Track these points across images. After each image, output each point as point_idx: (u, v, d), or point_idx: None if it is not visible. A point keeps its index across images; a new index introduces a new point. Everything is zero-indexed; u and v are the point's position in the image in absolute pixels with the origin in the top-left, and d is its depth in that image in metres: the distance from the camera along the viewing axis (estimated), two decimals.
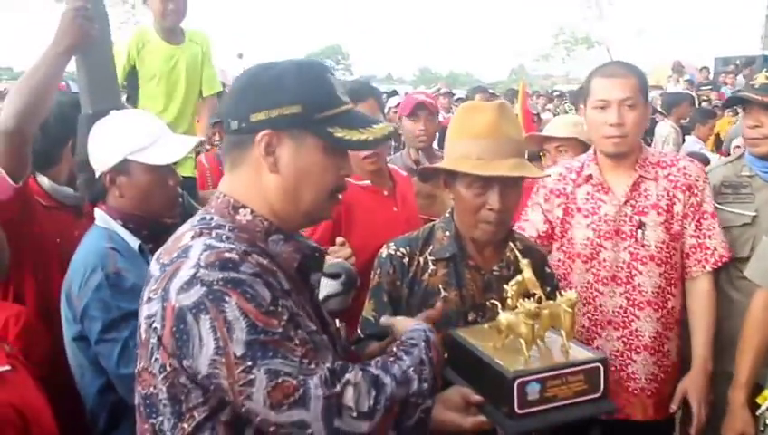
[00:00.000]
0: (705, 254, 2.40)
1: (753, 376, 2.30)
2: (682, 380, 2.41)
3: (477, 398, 1.61)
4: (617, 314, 2.39)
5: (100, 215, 2.12)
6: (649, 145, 6.15)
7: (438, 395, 1.61)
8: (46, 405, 1.63)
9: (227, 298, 1.24)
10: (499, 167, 1.78)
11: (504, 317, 1.62)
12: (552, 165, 3.08)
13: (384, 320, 1.70)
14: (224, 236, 1.33)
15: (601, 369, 1.61)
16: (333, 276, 2.04)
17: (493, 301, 1.67)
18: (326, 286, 2.01)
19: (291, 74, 1.40)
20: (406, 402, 1.34)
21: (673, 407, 2.40)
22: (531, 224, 2.52)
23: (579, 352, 1.65)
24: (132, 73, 4.08)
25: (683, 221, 2.39)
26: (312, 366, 1.25)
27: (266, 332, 1.24)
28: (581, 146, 3.19)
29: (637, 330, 2.39)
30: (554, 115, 9.30)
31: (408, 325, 1.57)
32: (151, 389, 1.35)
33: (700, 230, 2.40)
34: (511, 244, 1.94)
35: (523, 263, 1.70)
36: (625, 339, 2.40)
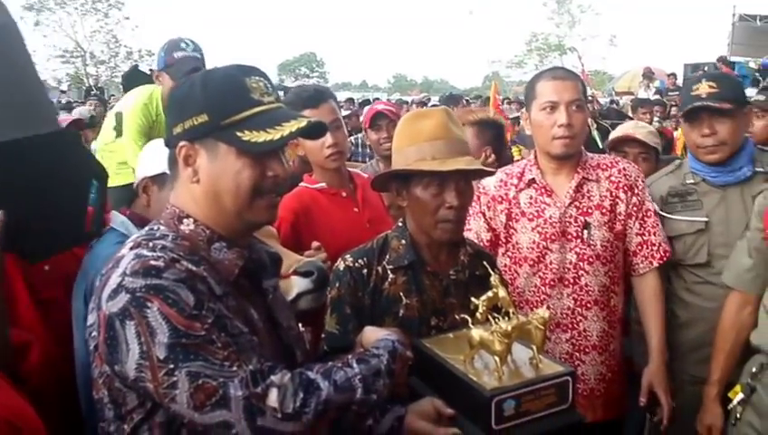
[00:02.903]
0: (652, 250, 2.47)
1: (726, 374, 2.37)
2: (645, 373, 2.44)
3: (450, 411, 1.64)
4: (565, 315, 2.42)
5: (120, 220, 2.18)
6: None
7: (411, 405, 1.68)
8: (31, 410, 1.63)
9: (149, 304, 1.29)
10: (455, 163, 1.84)
11: (476, 333, 1.63)
12: None
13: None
14: (159, 246, 1.39)
15: (570, 381, 1.65)
16: (305, 274, 2.06)
17: (464, 316, 1.69)
18: (297, 285, 2.04)
19: (198, 85, 1.45)
20: (346, 410, 1.38)
21: (642, 400, 2.44)
22: (474, 233, 2.53)
23: (548, 366, 1.67)
24: None
25: (626, 221, 2.45)
26: (234, 368, 1.29)
27: (188, 335, 1.29)
28: (656, 160, 3.26)
29: (585, 330, 2.43)
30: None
31: (377, 335, 1.61)
32: (99, 394, 1.42)
33: (644, 228, 2.47)
34: (463, 248, 2.01)
35: (495, 279, 1.72)
36: (574, 340, 2.43)
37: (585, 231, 2.41)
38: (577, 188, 2.43)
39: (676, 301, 2.66)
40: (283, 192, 1.54)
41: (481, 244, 2.45)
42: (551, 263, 2.42)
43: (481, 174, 2.01)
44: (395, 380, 1.50)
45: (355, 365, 1.43)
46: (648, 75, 15.26)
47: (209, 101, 1.42)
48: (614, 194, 2.44)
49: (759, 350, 2.23)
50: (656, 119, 8.42)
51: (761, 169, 2.58)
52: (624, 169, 2.49)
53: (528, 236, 2.45)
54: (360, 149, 6.32)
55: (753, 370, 2.23)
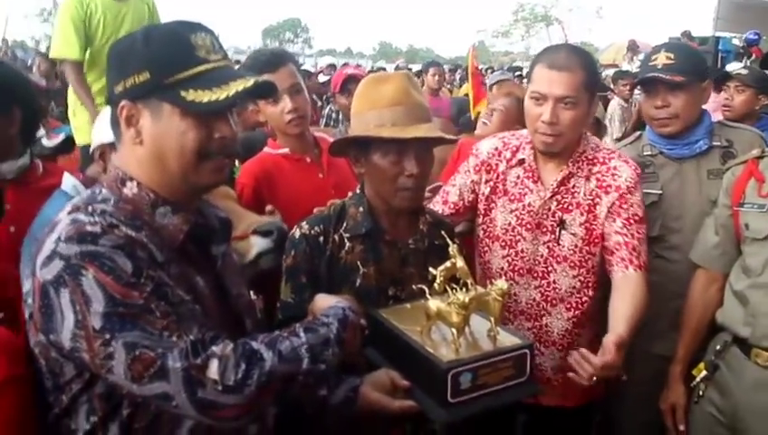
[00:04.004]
0: (632, 255, 2.18)
1: (691, 352, 2.35)
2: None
3: (405, 383, 1.62)
4: (530, 305, 2.33)
5: (71, 183, 2.11)
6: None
7: (366, 376, 1.66)
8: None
9: (84, 271, 1.23)
10: (415, 131, 1.78)
11: (433, 304, 1.59)
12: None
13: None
14: (98, 211, 1.32)
15: (528, 354, 1.63)
16: (265, 234, 2.01)
17: (421, 286, 1.64)
18: (257, 244, 2.00)
19: (139, 41, 1.38)
20: (291, 381, 1.33)
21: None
22: (457, 188, 2.41)
23: (506, 338, 1.65)
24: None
25: (605, 223, 2.23)
26: (174, 338, 1.24)
27: (125, 304, 1.23)
28: (596, 128, 3.14)
29: (546, 325, 2.33)
30: None
31: (327, 302, 1.57)
32: (38, 364, 1.37)
33: (628, 229, 2.20)
34: (423, 217, 1.97)
35: (453, 249, 1.68)
36: (535, 331, 2.34)
37: (558, 228, 2.28)
38: (563, 182, 2.26)
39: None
40: (231, 154, 1.47)
41: (462, 202, 2.39)
42: (522, 251, 2.31)
43: (441, 141, 1.95)
44: (345, 349, 1.44)
45: (302, 334, 1.37)
46: (633, 48, 15.18)
47: (151, 59, 1.34)
48: (596, 193, 2.25)
49: (723, 328, 2.22)
50: (636, 91, 8.38)
51: (718, 144, 2.54)
52: (615, 167, 2.26)
53: (505, 216, 2.33)
54: (340, 116, 6.22)
55: (717, 348, 2.22)
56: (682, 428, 2.33)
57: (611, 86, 8.40)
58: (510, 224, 2.32)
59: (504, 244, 2.34)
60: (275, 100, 2.43)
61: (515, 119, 3.28)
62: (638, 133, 2.78)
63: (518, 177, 2.33)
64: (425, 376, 1.57)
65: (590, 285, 2.30)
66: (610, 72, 10.96)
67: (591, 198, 2.25)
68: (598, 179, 2.25)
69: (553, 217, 2.27)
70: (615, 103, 7.86)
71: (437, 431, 1.81)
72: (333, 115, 6.24)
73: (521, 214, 2.31)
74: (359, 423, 1.66)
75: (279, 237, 2.01)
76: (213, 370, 1.23)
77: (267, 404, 1.37)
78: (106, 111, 2.22)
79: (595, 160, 2.28)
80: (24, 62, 12.25)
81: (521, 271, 2.32)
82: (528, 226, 2.29)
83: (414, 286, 1.72)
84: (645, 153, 2.61)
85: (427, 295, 1.62)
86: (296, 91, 2.46)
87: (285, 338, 1.35)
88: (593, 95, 2.22)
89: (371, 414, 1.62)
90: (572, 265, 2.28)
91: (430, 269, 1.67)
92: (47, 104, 4.97)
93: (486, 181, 2.37)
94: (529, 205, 2.29)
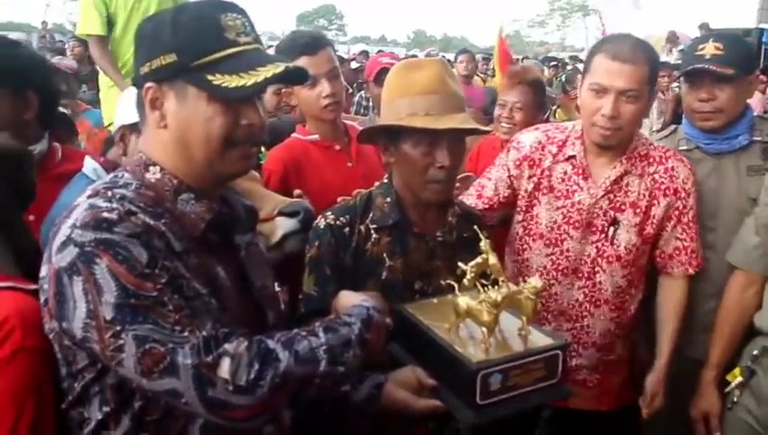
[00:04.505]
0: (690, 257, 2.27)
1: (726, 357, 2.26)
2: (649, 376, 2.27)
3: (432, 382, 1.57)
4: (571, 306, 2.27)
5: (92, 166, 2.09)
6: None
7: (391, 373, 1.60)
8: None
9: (98, 260, 1.20)
10: (450, 121, 1.72)
11: (463, 302, 1.54)
12: None
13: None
14: (117, 196, 1.28)
15: (560, 355, 1.57)
16: (291, 214, 1.98)
17: (450, 282, 1.59)
18: (283, 226, 1.97)
19: (167, 21, 1.33)
20: (308, 383, 1.28)
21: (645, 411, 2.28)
22: (492, 183, 2.35)
23: (538, 338, 1.59)
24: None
25: (661, 224, 2.23)
26: (185, 334, 1.20)
27: (138, 295, 1.20)
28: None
29: (588, 326, 2.27)
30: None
31: (351, 301, 1.51)
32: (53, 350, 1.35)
33: (687, 234, 2.26)
34: (452, 209, 1.91)
35: (485, 244, 1.62)
36: (575, 332, 2.28)
37: (612, 228, 2.21)
38: (616, 180, 2.21)
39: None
40: (258, 142, 1.43)
41: (497, 197, 2.33)
42: (567, 250, 2.24)
43: (474, 132, 1.89)
44: (369, 350, 1.38)
45: (321, 334, 1.32)
46: (672, 40, 14.88)
47: (178, 40, 1.30)
48: (654, 195, 2.21)
49: (761, 332, 2.14)
50: (675, 83, 8.19)
51: (759, 139, 2.43)
52: (672, 168, 2.23)
53: (550, 214, 2.26)
54: (370, 103, 6.19)
55: (755, 353, 2.14)
56: None
57: None
58: (555, 222, 2.25)
59: (548, 242, 2.27)
60: (313, 83, 2.39)
61: (536, 107, 3.22)
62: (673, 127, 2.68)
63: (565, 173, 2.26)
64: (452, 376, 1.52)
65: (635, 284, 2.28)
66: None
67: (649, 199, 2.21)
68: (654, 180, 2.22)
69: (605, 216, 2.22)
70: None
71: (461, 431, 1.77)
72: (363, 103, 6.19)
73: (568, 212, 2.24)
74: (381, 421, 1.62)
75: (305, 218, 1.97)
76: (224, 368, 1.19)
77: (281, 406, 1.32)
78: (126, 94, 2.18)
79: (650, 159, 2.23)
80: (63, 44, 12.38)
81: (565, 271, 2.26)
82: (576, 224, 2.23)
83: (442, 281, 1.67)
84: (681, 148, 2.50)
85: (457, 291, 1.57)
86: (334, 76, 2.42)
87: (303, 337, 1.30)
88: (653, 89, 2.17)
89: (395, 412, 1.58)
90: (625, 263, 2.24)
91: (460, 264, 1.61)
92: (78, 87, 4.98)
93: (529, 177, 2.30)
94: (578, 203, 2.22)
